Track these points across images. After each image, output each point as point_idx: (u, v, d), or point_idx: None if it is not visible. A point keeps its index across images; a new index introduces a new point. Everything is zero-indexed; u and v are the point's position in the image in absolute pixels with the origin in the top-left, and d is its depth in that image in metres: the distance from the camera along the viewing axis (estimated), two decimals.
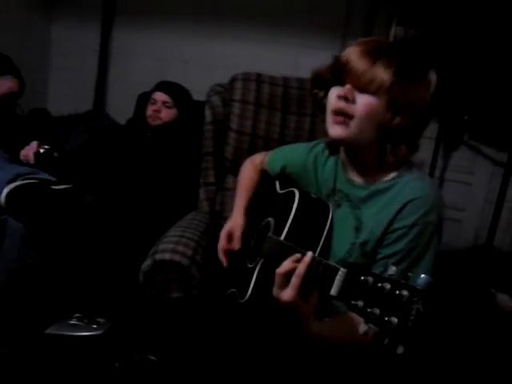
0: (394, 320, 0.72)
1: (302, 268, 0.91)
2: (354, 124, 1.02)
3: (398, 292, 0.73)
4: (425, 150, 2.32)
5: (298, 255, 0.94)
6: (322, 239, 1.12)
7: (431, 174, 2.42)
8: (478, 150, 2.53)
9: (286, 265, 0.94)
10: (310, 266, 0.91)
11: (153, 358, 1.51)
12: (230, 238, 1.36)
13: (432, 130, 2.40)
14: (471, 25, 2.20)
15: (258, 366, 1.06)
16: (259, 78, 1.83)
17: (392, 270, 0.77)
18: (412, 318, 0.71)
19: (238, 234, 1.35)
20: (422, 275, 0.73)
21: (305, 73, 1.92)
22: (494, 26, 2.18)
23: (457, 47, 2.22)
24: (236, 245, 1.34)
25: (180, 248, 1.48)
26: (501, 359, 1.50)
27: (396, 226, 1.04)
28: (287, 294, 0.92)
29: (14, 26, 2.61)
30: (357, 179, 1.15)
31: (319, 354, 1.05)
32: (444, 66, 2.10)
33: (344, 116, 1.02)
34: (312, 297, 0.94)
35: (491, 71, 2.24)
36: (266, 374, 1.05)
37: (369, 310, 0.76)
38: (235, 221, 1.39)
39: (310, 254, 0.93)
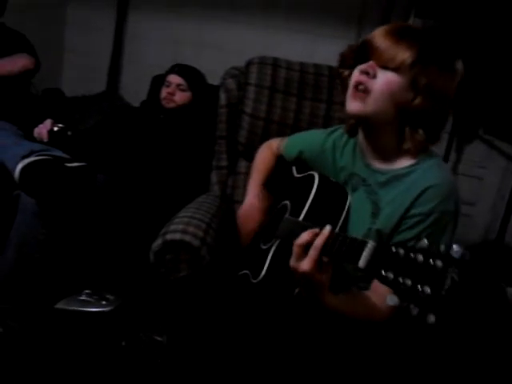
0: (427, 289, 0.73)
1: (320, 240, 0.92)
2: (371, 99, 1.03)
3: (432, 262, 0.74)
4: (438, 143, 2.30)
5: (316, 229, 0.95)
6: (340, 223, 1.13)
7: None
8: (491, 144, 2.50)
9: (305, 236, 0.94)
10: (328, 239, 0.92)
11: (159, 338, 1.52)
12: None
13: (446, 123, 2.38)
14: (489, 18, 2.17)
15: (269, 343, 1.06)
16: (275, 63, 1.82)
17: (424, 243, 0.77)
18: (447, 287, 0.71)
19: (256, 217, 1.39)
20: (456, 246, 0.73)
21: (319, 62, 1.93)
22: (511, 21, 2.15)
23: (474, 40, 2.20)
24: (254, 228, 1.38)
25: (190, 229, 1.48)
26: (508, 353, 1.50)
27: (413, 212, 1.04)
28: (305, 265, 0.93)
29: (31, 7, 2.61)
30: (375, 164, 1.15)
31: (334, 332, 1.05)
32: (461, 58, 2.08)
33: (362, 91, 1.03)
34: (328, 268, 0.95)
35: (508, 66, 2.22)
36: (276, 352, 1.05)
37: (400, 280, 0.76)
38: (252, 202, 1.42)
39: (328, 227, 0.93)
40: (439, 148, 2.39)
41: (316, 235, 0.94)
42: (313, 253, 0.92)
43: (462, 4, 2.22)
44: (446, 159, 2.43)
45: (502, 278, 1.85)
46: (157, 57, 2.73)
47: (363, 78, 1.03)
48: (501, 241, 2.27)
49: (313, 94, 1.81)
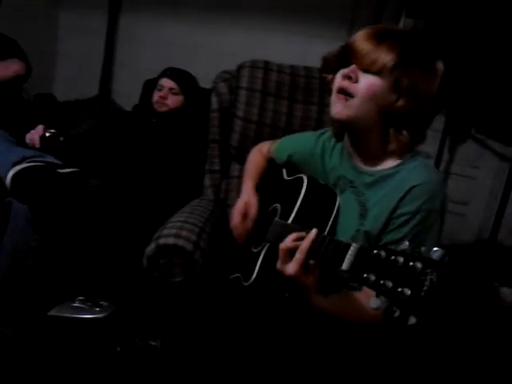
0: (407, 291, 0.73)
1: (305, 244, 0.93)
2: (354, 103, 1.04)
3: (411, 264, 0.74)
4: (431, 143, 2.31)
5: (302, 233, 0.96)
6: (329, 225, 1.13)
7: (436, 167, 2.41)
8: (484, 144, 2.51)
9: (290, 240, 0.96)
10: (314, 242, 0.93)
11: (154, 343, 1.52)
12: (244, 215, 1.37)
13: (439, 122, 2.39)
14: (481, 18, 2.18)
15: (263, 347, 1.06)
16: (267, 66, 1.82)
17: (405, 245, 0.78)
18: (425, 288, 0.72)
19: (253, 213, 1.36)
20: (436, 248, 0.74)
21: (312, 63, 1.93)
22: (503, 20, 2.16)
23: (466, 40, 2.21)
24: (249, 225, 1.35)
25: (184, 233, 1.48)
26: (501, 352, 1.51)
27: (400, 211, 1.05)
28: (290, 268, 0.94)
29: (22, 10, 2.60)
30: (362, 165, 1.16)
31: (325, 334, 1.06)
32: (453, 58, 2.08)
33: (345, 95, 1.04)
34: (314, 270, 0.96)
35: (500, 65, 2.23)
36: (270, 356, 1.05)
37: (381, 282, 0.77)
38: (248, 199, 1.39)
39: (314, 230, 0.95)
40: (432, 148, 2.42)
41: (301, 238, 0.95)
42: (298, 256, 0.94)
43: (453, 4, 2.22)
44: (438, 159, 2.44)
45: (495, 278, 1.86)
46: (149, 60, 2.72)
47: (345, 83, 1.04)
48: (494, 240, 2.28)
49: (304, 96, 1.81)
